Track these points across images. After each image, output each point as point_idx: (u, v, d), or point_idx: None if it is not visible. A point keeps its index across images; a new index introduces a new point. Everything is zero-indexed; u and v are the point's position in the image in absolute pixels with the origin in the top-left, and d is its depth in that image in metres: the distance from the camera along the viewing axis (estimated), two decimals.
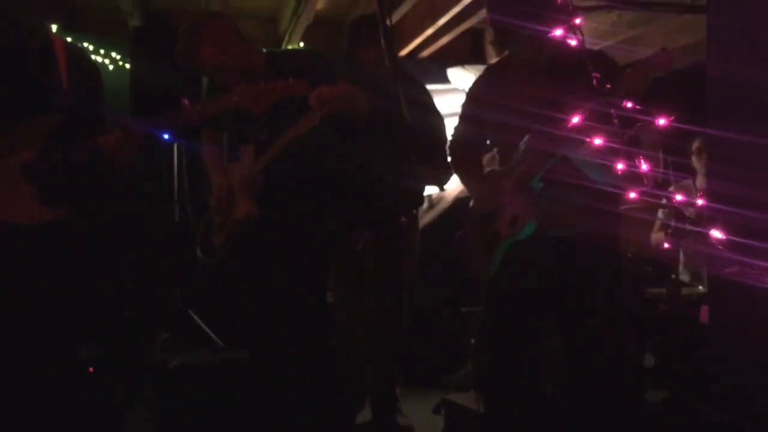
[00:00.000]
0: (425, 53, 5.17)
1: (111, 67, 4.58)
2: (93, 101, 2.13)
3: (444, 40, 4.87)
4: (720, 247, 1.65)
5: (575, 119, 1.87)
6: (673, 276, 3.55)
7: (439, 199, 4.71)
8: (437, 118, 3.18)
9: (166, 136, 2.11)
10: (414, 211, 3.23)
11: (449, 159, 2.61)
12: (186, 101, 2.08)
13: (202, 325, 3.96)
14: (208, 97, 2.30)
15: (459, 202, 4.18)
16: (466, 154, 2.51)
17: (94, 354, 3.19)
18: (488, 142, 2.50)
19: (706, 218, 2.05)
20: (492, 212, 2.33)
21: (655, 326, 3.49)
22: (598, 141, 1.85)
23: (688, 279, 3.95)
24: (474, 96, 2.47)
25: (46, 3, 1.93)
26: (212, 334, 3.92)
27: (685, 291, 3.69)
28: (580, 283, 2.22)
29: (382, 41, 2.31)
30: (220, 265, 2.70)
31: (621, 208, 2.29)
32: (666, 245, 3.24)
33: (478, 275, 2.40)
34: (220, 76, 2.58)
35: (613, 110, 1.80)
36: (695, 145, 4.01)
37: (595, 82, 1.84)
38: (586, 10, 4.14)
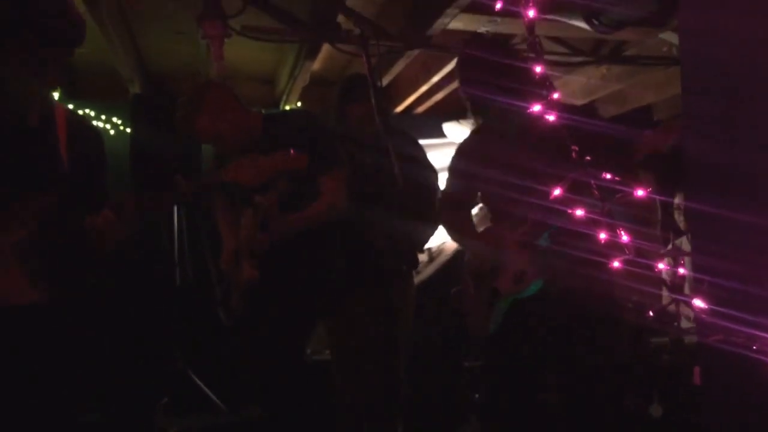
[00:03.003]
0: (420, 109, 5.26)
1: (112, 131, 4.67)
2: (94, 173, 2.10)
3: (438, 96, 4.95)
4: (703, 315, 1.68)
5: (557, 191, 1.90)
6: (675, 324, 3.53)
7: (439, 252, 4.73)
8: (429, 171, 3.22)
9: None
10: (404, 267, 3.24)
11: (440, 215, 2.61)
12: (179, 178, 2.08)
13: (203, 387, 3.94)
14: (199, 176, 2.33)
15: (459, 254, 4.18)
16: (457, 210, 2.52)
17: (94, 420, 3.18)
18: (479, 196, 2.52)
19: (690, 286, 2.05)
20: (490, 269, 2.32)
21: (660, 376, 3.46)
22: (579, 212, 1.88)
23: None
24: (464, 154, 2.50)
25: (46, 71, 1.90)
26: (213, 397, 3.90)
27: (688, 340, 3.67)
28: (585, 340, 2.21)
29: (373, 101, 2.36)
30: (231, 325, 2.73)
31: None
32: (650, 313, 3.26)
33: (476, 332, 2.39)
34: (218, 143, 2.63)
35: (593, 181, 1.83)
36: (677, 202, 4.01)
37: (574, 154, 1.88)
38: (575, 65, 4.23)
